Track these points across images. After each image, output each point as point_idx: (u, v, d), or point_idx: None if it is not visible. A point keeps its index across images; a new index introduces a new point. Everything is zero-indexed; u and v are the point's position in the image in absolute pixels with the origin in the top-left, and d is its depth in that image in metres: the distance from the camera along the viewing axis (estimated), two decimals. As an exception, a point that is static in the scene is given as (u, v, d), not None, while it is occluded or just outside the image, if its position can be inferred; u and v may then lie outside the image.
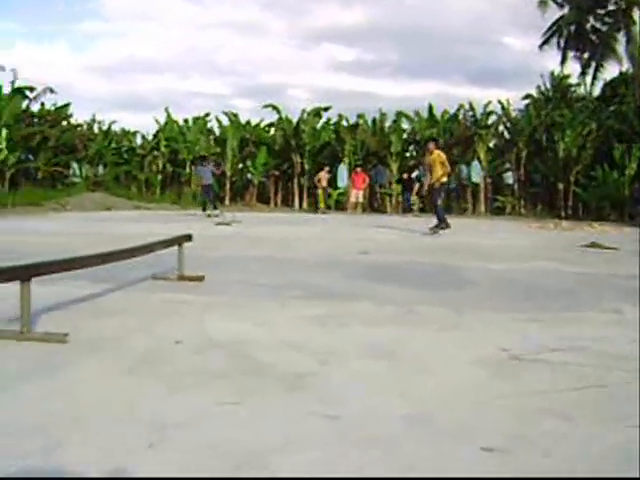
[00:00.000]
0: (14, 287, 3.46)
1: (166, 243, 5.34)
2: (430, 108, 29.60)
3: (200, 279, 5.50)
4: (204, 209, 18.20)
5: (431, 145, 13.53)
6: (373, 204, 29.31)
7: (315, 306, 4.59)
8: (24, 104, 28.34)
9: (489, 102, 28.29)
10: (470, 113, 29.32)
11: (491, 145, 29.29)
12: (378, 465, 1.95)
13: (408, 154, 31.17)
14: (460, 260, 7.68)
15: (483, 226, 15.29)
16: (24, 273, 3.42)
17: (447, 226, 12.31)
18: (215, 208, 18.06)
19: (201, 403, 2.45)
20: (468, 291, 5.51)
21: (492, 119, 29.09)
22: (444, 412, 2.43)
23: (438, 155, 12.80)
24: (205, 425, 2.23)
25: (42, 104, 30.15)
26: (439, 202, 12.86)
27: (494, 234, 12.75)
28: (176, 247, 5.46)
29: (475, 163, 28.41)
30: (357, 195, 24.85)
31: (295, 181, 31.84)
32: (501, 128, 29.31)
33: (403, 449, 2.08)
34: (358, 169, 25.57)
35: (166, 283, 5.41)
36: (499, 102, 28.09)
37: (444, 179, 12.78)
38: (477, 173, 28.25)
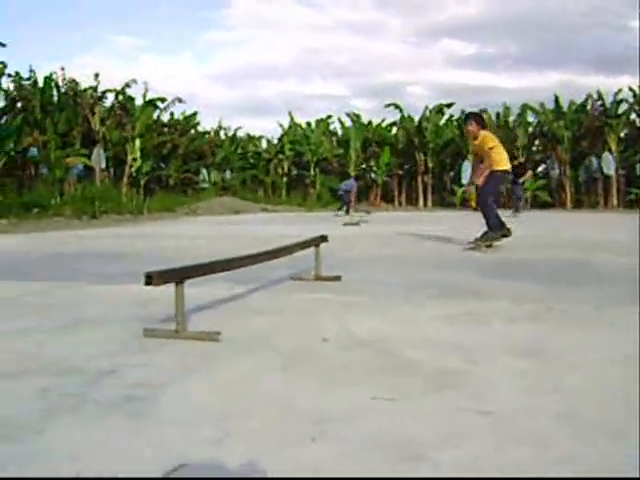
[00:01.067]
0: (164, 289, 3.67)
1: (304, 244, 5.49)
2: (556, 99, 28.76)
3: (336, 279, 5.62)
4: (347, 211, 21.53)
5: (471, 125, 9.00)
6: (500, 200, 28.74)
7: (452, 304, 4.60)
8: (155, 115, 29.65)
9: (619, 90, 27.15)
10: (599, 102, 28.23)
11: (622, 135, 28.09)
12: (534, 459, 1.96)
13: (534, 148, 30.40)
14: (590, 255, 7.49)
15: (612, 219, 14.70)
16: (178, 275, 3.62)
17: (506, 234, 8.57)
18: (347, 212, 21.17)
19: (356, 399, 2.52)
20: (605, 286, 5.37)
21: (623, 108, 27.90)
22: (596, 410, 2.39)
23: (484, 138, 8.85)
24: (363, 420, 2.30)
25: (172, 114, 31.58)
26: (490, 201, 8.76)
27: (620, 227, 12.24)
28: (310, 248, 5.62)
29: (606, 154, 27.33)
30: None
31: (419, 179, 31.73)
32: (633, 117, 28.06)
33: (558, 445, 2.07)
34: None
35: (304, 283, 5.56)
36: (630, 89, 26.90)
37: (501, 167, 8.81)
38: (608, 165, 27.16)
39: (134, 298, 4.84)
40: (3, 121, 24.91)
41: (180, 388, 2.71)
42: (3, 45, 23.17)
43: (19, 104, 26.15)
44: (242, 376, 2.90)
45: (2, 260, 7.87)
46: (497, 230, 8.53)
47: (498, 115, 29.96)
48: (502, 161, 8.83)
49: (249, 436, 2.17)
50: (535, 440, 2.10)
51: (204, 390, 2.69)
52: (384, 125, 33.86)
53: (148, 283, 3.39)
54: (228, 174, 34.51)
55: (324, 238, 5.71)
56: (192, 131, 33.01)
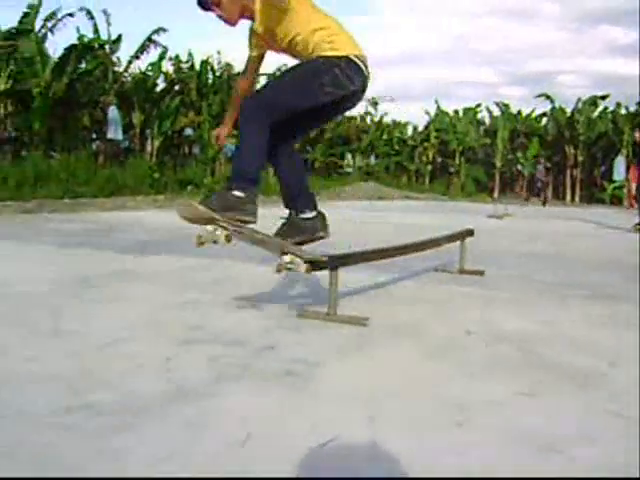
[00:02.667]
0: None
1: (451, 238, 5.61)
2: None
3: (480, 273, 5.71)
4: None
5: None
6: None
7: (596, 306, 4.60)
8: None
9: None
10: None
11: None
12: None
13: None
14: None
15: None
16: (334, 262, 3.86)
17: None
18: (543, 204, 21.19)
19: (499, 391, 2.66)
20: None
21: None
22: None
23: None
24: (505, 412, 2.45)
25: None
26: None
27: None
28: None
29: None
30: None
31: (567, 173, 30.74)
32: None
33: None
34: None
35: (448, 276, 5.69)
36: None
37: None
38: None
39: (286, 278, 5.14)
40: (163, 103, 26.31)
41: (334, 368, 2.95)
42: (165, 30, 24.49)
43: (177, 87, 27.55)
44: (391, 360, 3.10)
45: (163, 235, 8.45)
46: None
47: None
48: None
49: (398, 417, 2.36)
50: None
51: (356, 371, 2.91)
52: (533, 116, 32.99)
53: (309, 269, 3.64)
54: (373, 159, 34.80)
55: (470, 232, 5.80)
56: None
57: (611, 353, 3.35)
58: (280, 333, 3.52)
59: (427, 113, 35.30)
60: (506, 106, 33.07)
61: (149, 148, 26.46)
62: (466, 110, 34.56)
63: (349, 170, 33.76)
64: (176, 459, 1.95)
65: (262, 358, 3.03)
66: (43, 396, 2.43)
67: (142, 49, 24.32)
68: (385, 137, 35.56)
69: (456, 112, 34.85)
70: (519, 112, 33.23)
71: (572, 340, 3.59)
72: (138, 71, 26.29)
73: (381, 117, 36.07)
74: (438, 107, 34.89)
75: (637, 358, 3.26)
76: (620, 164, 26.93)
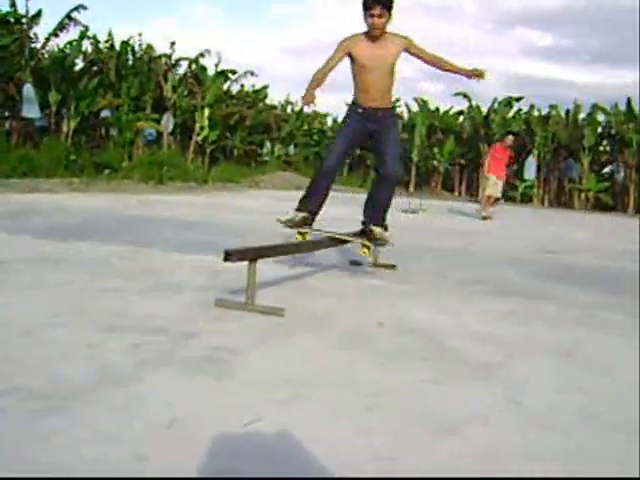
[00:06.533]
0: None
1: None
2: (628, 101, 28.14)
3: (392, 267, 5.97)
4: None
5: None
6: (561, 199, 28.57)
7: (499, 302, 4.92)
8: (225, 85, 30.15)
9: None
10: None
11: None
12: (553, 447, 2.30)
13: (602, 148, 29.96)
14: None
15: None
16: (253, 254, 4.03)
17: None
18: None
19: (406, 379, 2.90)
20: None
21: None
22: (616, 410, 2.72)
23: None
24: (411, 397, 2.69)
25: (242, 86, 31.96)
26: None
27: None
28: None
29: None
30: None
31: (481, 170, 31.66)
32: None
33: (575, 437, 2.41)
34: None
35: (361, 269, 5.93)
36: None
37: None
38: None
39: (207, 268, 5.28)
40: (81, 83, 25.73)
41: (252, 356, 3.12)
42: (85, 8, 23.94)
43: (95, 67, 26.97)
44: (306, 349, 3.30)
45: (86, 220, 8.39)
46: None
47: (567, 112, 29.63)
48: None
49: (313, 401, 2.56)
50: (555, 430, 2.45)
51: (274, 358, 3.10)
52: (451, 113, 33.78)
53: (226, 259, 3.81)
54: (292, 149, 34.93)
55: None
56: (260, 104, 33.45)
57: (507, 345, 3.65)
58: (201, 321, 3.66)
59: (347, 105, 35.65)
60: (425, 102, 33.74)
61: (65, 129, 25.85)
62: (386, 104, 35.15)
63: (267, 159, 33.80)
64: (106, 441, 2.08)
65: (185, 345, 3.17)
66: (-28, 379, 2.51)
67: (61, 26, 23.70)
68: (305, 127, 35.77)
69: (376, 106, 35.38)
70: (437, 108, 33.97)
71: (473, 332, 3.88)
72: (56, 49, 25.61)
73: (302, 107, 36.24)
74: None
75: (531, 351, 3.57)
76: (531, 164, 27.98)
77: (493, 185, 14.66)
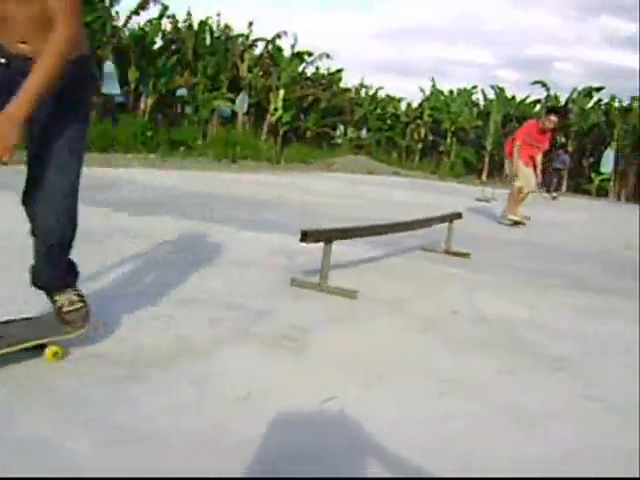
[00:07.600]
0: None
1: (441, 219, 5.80)
2: None
3: (466, 256, 5.90)
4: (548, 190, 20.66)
5: None
6: (639, 194, 27.70)
7: (575, 296, 4.82)
8: (301, 67, 30.24)
9: None
10: None
11: None
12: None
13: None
14: None
15: None
16: (329, 236, 4.04)
17: None
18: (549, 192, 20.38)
19: (480, 367, 2.88)
20: None
21: None
22: None
23: None
24: (485, 386, 2.67)
25: (317, 68, 31.99)
26: None
27: None
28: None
29: None
30: None
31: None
32: None
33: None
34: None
35: (435, 255, 5.88)
36: None
37: None
38: None
39: (281, 247, 5.31)
40: (159, 61, 26.19)
41: (323, 336, 3.14)
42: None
43: (174, 46, 27.38)
44: (381, 332, 3.30)
45: (161, 196, 8.55)
46: None
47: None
48: None
49: (388, 384, 2.56)
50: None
51: (348, 339, 3.11)
52: (528, 102, 33.09)
53: (303, 240, 3.82)
54: (364, 133, 34.82)
55: (459, 215, 5.99)
56: (334, 87, 33.42)
57: (583, 341, 3.58)
58: (276, 299, 3.70)
59: (422, 90, 35.29)
60: (501, 90, 33.16)
61: (142, 106, 26.38)
62: (461, 91, 34.63)
63: (339, 141, 33.81)
64: (183, 410, 2.14)
65: (260, 322, 3.22)
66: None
67: (142, 5, 24.16)
68: (378, 111, 35.58)
69: (451, 92, 34.91)
70: (513, 97, 33.34)
71: (549, 326, 3.81)
72: (137, 27, 26.12)
73: (376, 91, 36.08)
74: (434, 85, 34.93)
75: (608, 348, 3.49)
76: (609, 157, 27.21)
77: (525, 177, 9.65)
